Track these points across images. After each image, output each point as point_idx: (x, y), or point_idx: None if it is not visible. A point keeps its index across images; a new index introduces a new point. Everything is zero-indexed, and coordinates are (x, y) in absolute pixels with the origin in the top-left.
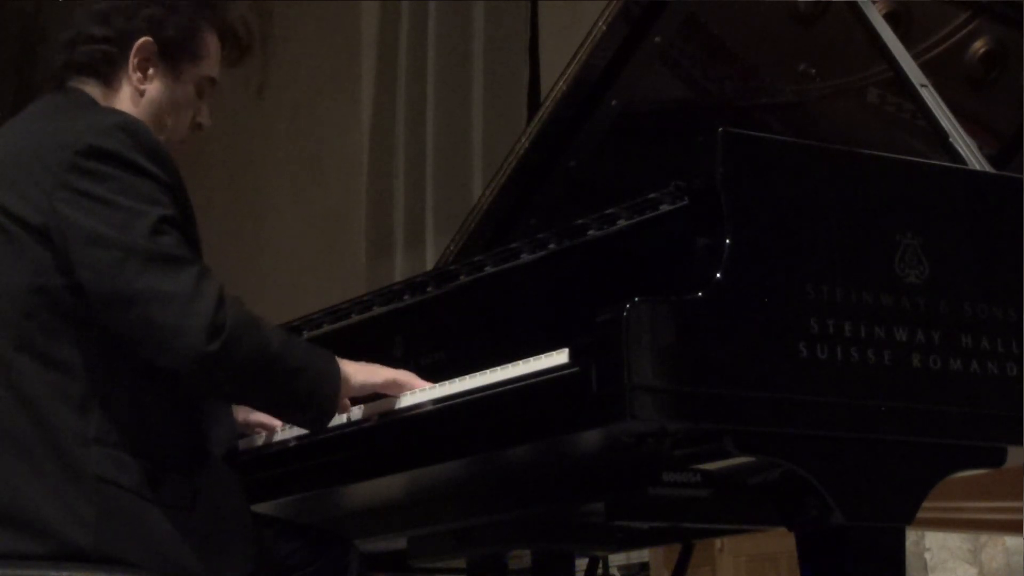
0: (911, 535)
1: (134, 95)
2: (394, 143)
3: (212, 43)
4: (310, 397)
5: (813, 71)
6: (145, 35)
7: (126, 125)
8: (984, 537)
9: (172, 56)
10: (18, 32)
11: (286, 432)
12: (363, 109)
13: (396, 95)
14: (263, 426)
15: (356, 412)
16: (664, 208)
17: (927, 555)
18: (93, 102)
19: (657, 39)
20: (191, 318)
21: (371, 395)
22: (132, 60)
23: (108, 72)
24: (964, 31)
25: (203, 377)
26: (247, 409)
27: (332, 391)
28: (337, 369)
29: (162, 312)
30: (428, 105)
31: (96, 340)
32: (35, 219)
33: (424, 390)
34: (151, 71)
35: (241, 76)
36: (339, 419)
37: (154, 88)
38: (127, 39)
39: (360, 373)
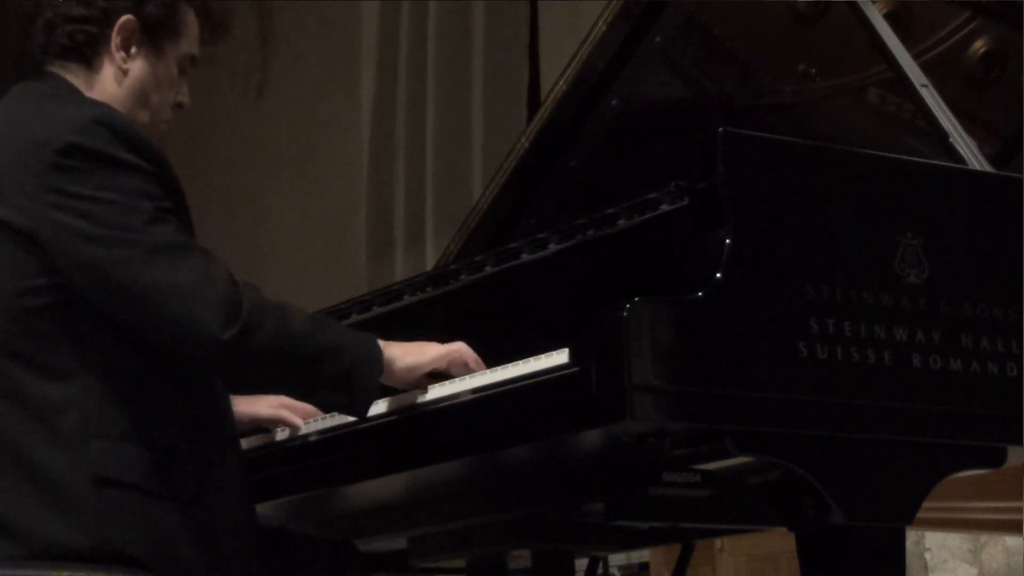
0: (911, 535)
1: (117, 75)
2: (394, 143)
3: (191, 20)
4: (346, 379)
5: (813, 71)
6: (127, 13)
7: (103, 118)
8: (984, 537)
9: (154, 34)
10: (18, 32)
11: (284, 432)
12: (363, 109)
13: (396, 95)
14: (282, 422)
15: None
16: (664, 208)
17: (927, 555)
18: (72, 91)
19: (657, 39)
20: (203, 306)
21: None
22: (115, 39)
23: (90, 53)
24: (964, 31)
25: (225, 365)
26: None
27: (371, 373)
28: (378, 351)
29: (173, 304)
30: (428, 105)
31: (90, 338)
32: (19, 222)
33: (422, 391)
34: (133, 50)
35: (241, 76)
36: (337, 419)
37: (137, 67)
38: (109, 18)
39: (408, 355)
